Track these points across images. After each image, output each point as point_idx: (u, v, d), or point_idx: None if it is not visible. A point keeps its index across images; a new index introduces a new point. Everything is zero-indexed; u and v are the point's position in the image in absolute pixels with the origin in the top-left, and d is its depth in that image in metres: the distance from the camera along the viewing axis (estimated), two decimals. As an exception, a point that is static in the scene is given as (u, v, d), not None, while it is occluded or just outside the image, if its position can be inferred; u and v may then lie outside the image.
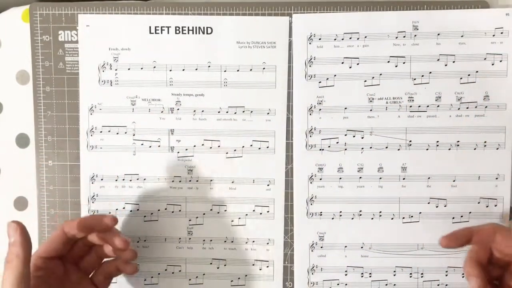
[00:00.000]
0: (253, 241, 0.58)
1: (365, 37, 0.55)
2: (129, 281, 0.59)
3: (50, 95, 0.59)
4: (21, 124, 0.60)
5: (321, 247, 0.57)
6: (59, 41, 0.59)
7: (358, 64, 0.55)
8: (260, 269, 0.58)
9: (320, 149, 0.56)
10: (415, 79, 0.55)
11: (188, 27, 0.57)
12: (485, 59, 0.55)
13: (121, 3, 0.58)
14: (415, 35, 0.55)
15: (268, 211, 0.58)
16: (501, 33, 0.54)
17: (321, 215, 0.57)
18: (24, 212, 0.61)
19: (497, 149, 0.55)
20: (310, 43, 0.56)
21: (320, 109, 0.56)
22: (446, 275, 0.56)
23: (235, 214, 0.58)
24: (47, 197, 0.60)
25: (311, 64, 0.56)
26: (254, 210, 0.58)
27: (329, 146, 0.56)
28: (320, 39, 0.56)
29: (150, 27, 0.57)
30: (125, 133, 0.58)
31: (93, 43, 0.58)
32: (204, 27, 0.57)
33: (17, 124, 0.60)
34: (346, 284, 0.57)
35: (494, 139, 0.55)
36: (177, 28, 0.57)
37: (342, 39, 0.55)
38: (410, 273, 0.56)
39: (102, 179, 0.59)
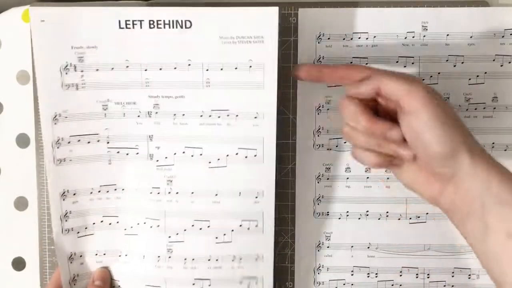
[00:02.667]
0: (240, 259, 0.54)
1: (374, 37, 0.55)
2: None
3: None
4: (22, 124, 0.59)
5: (328, 247, 0.57)
6: (58, 41, 0.56)
7: (366, 64, 0.55)
8: (248, 287, 0.54)
9: (328, 149, 0.56)
10: (423, 79, 0.55)
11: (164, 21, 0.50)
12: (494, 60, 0.54)
13: (124, 2, 0.56)
14: (424, 36, 0.55)
15: (256, 226, 0.53)
16: (511, 34, 0.54)
17: (328, 215, 0.57)
18: (24, 212, 0.60)
19: (505, 150, 0.55)
20: (319, 43, 0.55)
21: (328, 109, 0.56)
22: (453, 276, 0.56)
23: (219, 230, 0.53)
24: (47, 197, 0.58)
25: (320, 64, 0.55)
26: (241, 225, 0.53)
27: (336, 146, 0.56)
28: (329, 38, 0.55)
29: (119, 21, 0.50)
30: (98, 141, 0.53)
31: (52, 41, 0.50)
32: (182, 21, 0.50)
33: (18, 124, 0.59)
34: (352, 284, 0.57)
35: (502, 141, 0.55)
36: (151, 22, 0.50)
37: (351, 38, 0.55)
38: (417, 274, 0.56)
39: (74, 194, 0.53)
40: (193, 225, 0.53)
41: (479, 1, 0.55)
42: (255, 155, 0.52)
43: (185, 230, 0.53)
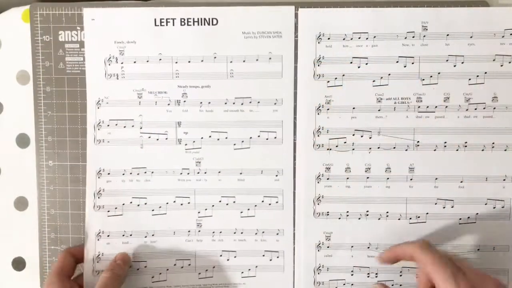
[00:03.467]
0: (263, 232, 0.58)
1: (374, 37, 0.55)
2: (137, 279, 0.58)
3: (51, 95, 0.58)
4: (22, 124, 0.59)
5: (328, 247, 0.57)
6: (59, 41, 0.58)
7: (366, 64, 0.55)
8: (271, 260, 0.58)
9: (328, 149, 0.56)
10: (423, 79, 0.55)
11: (194, 19, 0.56)
12: (494, 60, 0.54)
13: (123, 2, 0.57)
14: (424, 36, 0.55)
15: (277, 202, 0.58)
16: (511, 34, 0.54)
17: (328, 215, 0.57)
18: (24, 212, 0.60)
19: (505, 150, 0.55)
20: (319, 43, 0.55)
21: (328, 109, 0.56)
22: (452, 276, 0.56)
23: (244, 205, 0.58)
24: (47, 197, 0.59)
25: (320, 64, 0.55)
26: (263, 201, 0.58)
27: (336, 146, 0.56)
28: (329, 38, 0.55)
29: (155, 19, 0.56)
30: (132, 126, 0.58)
31: (99, 36, 0.57)
32: (209, 18, 0.56)
33: (18, 124, 0.59)
34: (352, 284, 0.57)
35: (502, 141, 0.55)
36: (182, 20, 0.56)
37: (351, 38, 0.55)
38: (416, 274, 0.56)
39: (109, 174, 0.58)
40: (220, 201, 0.58)
41: (479, 1, 0.55)
42: (275, 137, 0.57)
43: (213, 205, 0.58)
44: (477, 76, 0.55)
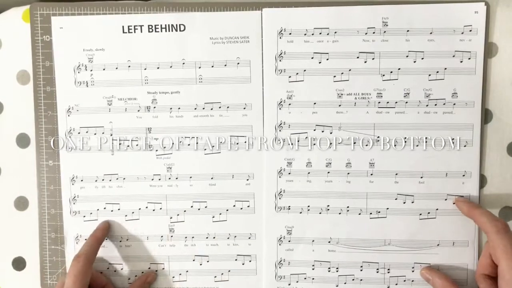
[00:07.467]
0: (235, 236, 0.58)
1: (335, 32, 0.55)
2: (114, 281, 0.59)
3: (51, 95, 0.59)
4: (22, 124, 0.60)
5: (289, 241, 0.57)
6: (59, 41, 0.59)
7: (327, 59, 0.56)
8: (243, 264, 0.59)
9: (289, 144, 0.57)
10: (384, 75, 0.55)
11: (161, 25, 0.57)
12: (453, 56, 0.55)
13: (121, 3, 0.58)
14: (385, 31, 0.55)
15: (248, 206, 0.58)
16: (470, 30, 0.54)
17: (289, 209, 0.57)
18: (24, 212, 0.60)
19: (465, 146, 0.55)
20: (280, 38, 0.56)
21: (289, 104, 0.56)
22: (413, 271, 0.56)
23: (215, 210, 0.58)
24: (47, 197, 0.59)
25: (281, 59, 0.56)
26: (234, 205, 0.58)
27: (298, 141, 0.57)
28: (290, 33, 0.56)
29: (123, 26, 0.57)
30: (103, 133, 0.58)
31: (68, 45, 0.58)
32: (176, 25, 0.57)
33: (18, 124, 0.60)
34: (313, 279, 0.57)
35: (462, 136, 0.55)
36: (150, 27, 0.57)
37: (312, 34, 0.56)
38: (377, 269, 0.57)
39: (82, 180, 0.59)
40: (192, 206, 0.58)
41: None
42: (245, 141, 0.58)
43: (185, 211, 0.59)
44: (437, 72, 0.55)
